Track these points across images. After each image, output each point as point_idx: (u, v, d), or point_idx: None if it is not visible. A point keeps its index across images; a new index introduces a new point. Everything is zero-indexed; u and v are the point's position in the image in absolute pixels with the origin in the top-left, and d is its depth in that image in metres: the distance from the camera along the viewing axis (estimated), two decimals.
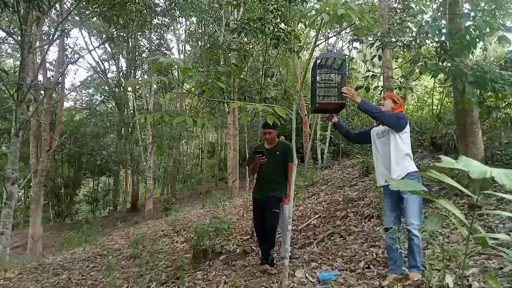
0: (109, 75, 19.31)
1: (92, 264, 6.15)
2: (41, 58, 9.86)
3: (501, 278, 2.41)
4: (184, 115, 2.56)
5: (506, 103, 6.20)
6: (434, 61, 4.14)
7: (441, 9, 4.71)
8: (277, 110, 2.27)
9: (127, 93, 19.28)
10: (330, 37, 12.23)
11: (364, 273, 3.09)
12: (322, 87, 3.02)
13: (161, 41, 15.56)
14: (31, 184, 10.48)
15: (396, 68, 8.55)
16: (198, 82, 2.83)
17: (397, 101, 2.98)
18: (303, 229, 5.29)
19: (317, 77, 2.94)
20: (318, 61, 2.95)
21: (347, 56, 3.27)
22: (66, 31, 10.21)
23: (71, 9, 10.23)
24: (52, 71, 12.65)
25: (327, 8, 1.94)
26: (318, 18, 2.08)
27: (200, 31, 17.22)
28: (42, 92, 10.46)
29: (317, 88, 2.93)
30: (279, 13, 6.27)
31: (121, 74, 18.74)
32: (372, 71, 4.85)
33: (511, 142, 6.01)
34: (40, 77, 11.56)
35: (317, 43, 2.75)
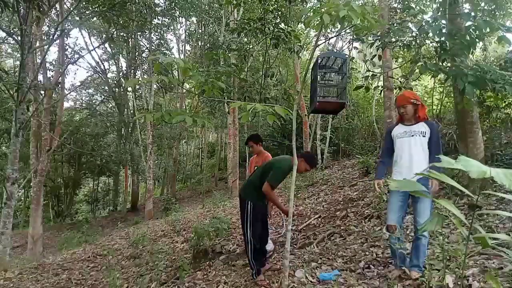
0: (109, 75, 19.33)
1: (92, 264, 6.15)
2: (41, 58, 9.86)
3: (501, 278, 2.41)
4: (184, 113, 2.56)
5: (506, 103, 6.22)
6: (434, 61, 4.14)
7: (441, 9, 4.70)
8: (277, 110, 2.27)
9: (127, 93, 19.27)
10: (331, 37, 12.23)
11: (364, 273, 3.09)
12: (322, 87, 3.02)
13: (161, 41, 15.54)
14: (31, 184, 10.47)
15: (396, 68, 8.56)
16: (199, 82, 2.83)
17: (417, 102, 2.80)
18: (303, 229, 5.29)
19: (318, 76, 2.94)
20: (319, 61, 2.96)
21: (347, 56, 3.25)
22: (66, 31, 10.21)
23: (71, 9, 10.23)
24: (52, 71, 12.64)
25: (328, 8, 1.93)
26: (319, 19, 2.08)
27: (200, 31, 17.21)
28: (42, 92, 10.45)
29: (317, 87, 2.92)
30: (279, 13, 6.27)
31: (121, 74, 18.74)
32: (372, 71, 4.85)
33: (511, 142, 6.01)
34: (40, 77, 11.56)
35: (317, 44, 2.74)
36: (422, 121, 2.81)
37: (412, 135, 2.78)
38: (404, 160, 2.79)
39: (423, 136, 2.75)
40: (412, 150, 2.76)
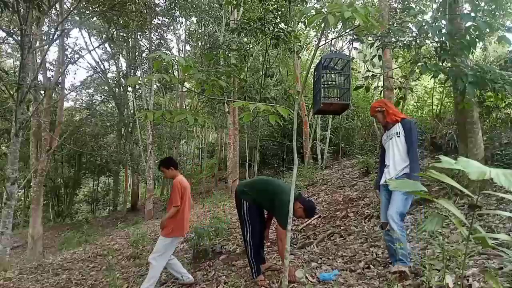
0: (109, 75, 19.32)
1: (92, 264, 6.15)
2: (41, 58, 9.86)
3: (501, 278, 2.41)
4: (185, 112, 2.56)
5: (506, 103, 6.22)
6: (434, 61, 4.14)
7: (441, 9, 4.70)
8: (279, 110, 2.27)
9: (127, 93, 19.27)
10: (333, 38, 12.23)
11: (364, 273, 3.09)
12: (326, 88, 3.05)
13: (161, 41, 15.54)
14: (31, 184, 10.48)
15: (396, 68, 8.57)
16: (199, 81, 2.83)
17: (382, 109, 3.07)
18: (303, 229, 5.29)
19: (321, 77, 2.95)
20: (323, 62, 2.96)
21: (349, 57, 3.27)
22: (66, 31, 10.21)
23: (71, 9, 10.23)
24: (52, 71, 12.64)
25: (332, 9, 1.93)
26: (321, 19, 2.07)
27: (200, 31, 17.21)
28: (42, 92, 10.45)
29: (321, 88, 2.95)
30: (279, 13, 6.28)
31: (121, 74, 18.73)
32: (372, 71, 4.85)
33: (511, 142, 6.01)
34: (40, 77, 11.56)
35: (319, 44, 2.74)
36: (399, 123, 3.04)
37: (391, 138, 3.06)
38: (387, 160, 3.08)
39: (398, 136, 3.02)
40: (391, 152, 3.03)
